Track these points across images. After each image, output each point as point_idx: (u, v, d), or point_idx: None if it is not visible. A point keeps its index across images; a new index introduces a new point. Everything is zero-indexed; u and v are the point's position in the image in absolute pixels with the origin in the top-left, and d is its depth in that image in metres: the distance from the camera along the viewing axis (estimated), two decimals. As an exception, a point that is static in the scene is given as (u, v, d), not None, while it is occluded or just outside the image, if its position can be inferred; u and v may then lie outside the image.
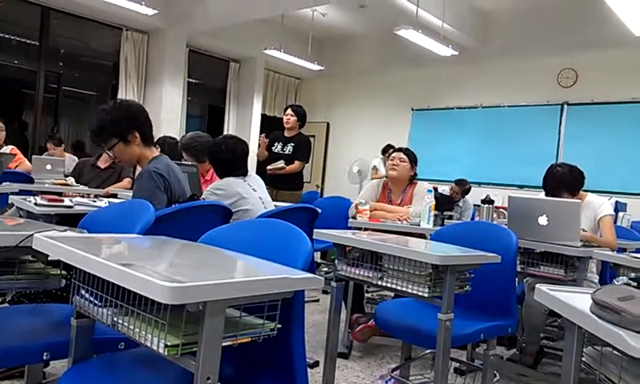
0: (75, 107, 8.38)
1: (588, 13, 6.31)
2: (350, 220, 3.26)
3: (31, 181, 4.11)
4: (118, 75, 7.33)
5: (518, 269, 2.65)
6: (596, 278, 2.96)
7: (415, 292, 1.84)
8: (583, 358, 1.25)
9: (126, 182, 4.39)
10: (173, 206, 2.31)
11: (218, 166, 3.00)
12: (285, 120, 4.85)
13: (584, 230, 2.79)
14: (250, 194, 2.88)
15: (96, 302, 1.15)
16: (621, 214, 4.67)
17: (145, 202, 1.85)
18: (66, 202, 2.59)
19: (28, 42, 7.05)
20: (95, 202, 2.80)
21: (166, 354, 0.98)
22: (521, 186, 7.08)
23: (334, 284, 2.15)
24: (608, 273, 2.97)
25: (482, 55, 7.46)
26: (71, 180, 4.23)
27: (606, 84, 6.66)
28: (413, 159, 3.49)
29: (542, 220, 2.62)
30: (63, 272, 1.49)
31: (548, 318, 2.82)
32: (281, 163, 4.66)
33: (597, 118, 6.76)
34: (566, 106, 7.03)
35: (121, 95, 7.20)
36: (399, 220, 3.23)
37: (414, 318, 2.11)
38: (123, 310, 1.08)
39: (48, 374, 2.16)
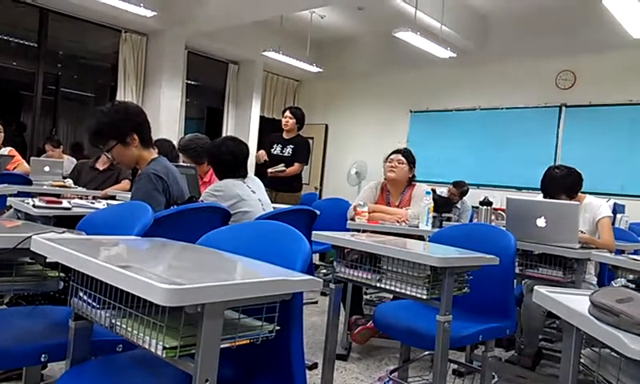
0: (74, 109, 8.37)
1: (586, 15, 6.32)
2: (349, 222, 3.26)
3: (29, 182, 4.10)
4: (117, 77, 7.31)
5: (517, 271, 2.65)
6: (594, 280, 2.96)
7: (414, 294, 1.84)
8: (581, 360, 1.25)
9: (125, 183, 4.39)
10: (171, 207, 2.30)
11: (218, 167, 2.99)
12: (283, 122, 4.86)
13: (582, 232, 2.79)
14: (249, 195, 2.88)
15: (94, 304, 1.15)
16: (619, 215, 4.67)
17: (143, 204, 1.85)
18: (64, 203, 2.58)
19: (26, 43, 7.04)
20: (93, 203, 2.80)
21: (164, 356, 0.97)
22: (519, 188, 7.08)
23: (332, 286, 2.15)
24: (606, 274, 2.98)
25: (481, 57, 7.47)
26: (69, 182, 4.23)
27: (604, 86, 6.67)
28: (411, 161, 3.49)
29: (541, 222, 2.62)
30: (61, 274, 1.49)
31: (546, 319, 2.83)
32: (281, 166, 4.66)
33: (595, 120, 6.77)
34: (564, 108, 7.04)
35: (119, 97, 7.18)
36: (398, 222, 3.23)
37: (413, 319, 2.11)
38: (121, 312, 1.08)
39: (46, 376, 2.16)
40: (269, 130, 7.46)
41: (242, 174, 2.95)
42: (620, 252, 2.92)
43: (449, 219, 3.69)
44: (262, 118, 9.00)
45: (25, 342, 1.42)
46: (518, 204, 2.83)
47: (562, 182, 2.93)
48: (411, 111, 8.50)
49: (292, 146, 4.77)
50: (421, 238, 2.94)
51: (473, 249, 2.01)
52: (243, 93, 8.90)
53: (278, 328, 1.12)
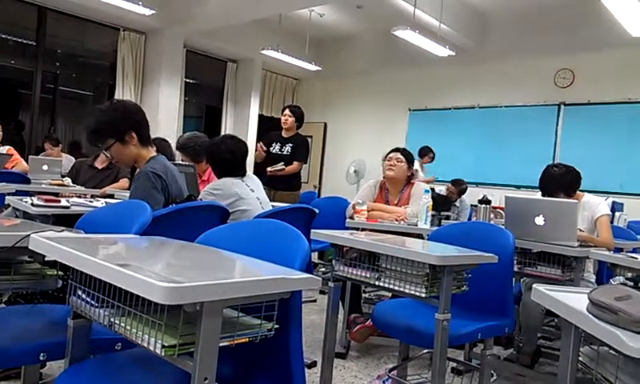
0: (72, 107, 8.35)
1: (585, 13, 6.32)
2: (348, 220, 3.26)
3: (28, 181, 4.10)
4: (115, 75, 7.31)
5: (515, 269, 2.65)
6: (593, 278, 2.96)
7: (413, 292, 1.84)
8: (580, 358, 1.25)
9: (123, 182, 4.38)
10: (170, 206, 2.30)
11: (217, 165, 2.99)
12: (282, 120, 4.85)
13: (581, 230, 2.79)
14: (248, 194, 2.88)
15: (93, 302, 1.15)
16: (617, 213, 4.67)
17: (142, 203, 1.85)
18: (63, 202, 2.58)
19: (25, 42, 7.02)
20: (92, 202, 2.79)
21: (163, 354, 0.97)
22: (518, 186, 7.09)
23: (331, 284, 2.15)
24: (605, 273, 2.98)
25: (479, 55, 7.48)
26: (68, 180, 4.22)
27: (602, 84, 6.68)
28: (410, 159, 3.50)
29: (539, 220, 2.63)
30: (60, 272, 1.49)
31: (545, 317, 2.83)
32: (280, 165, 4.66)
33: (593, 119, 6.78)
34: (562, 107, 7.04)
35: (118, 95, 7.18)
36: (397, 220, 3.23)
37: (412, 317, 2.11)
38: (120, 311, 1.08)
39: (45, 374, 2.16)
40: (268, 128, 7.46)
41: (240, 172, 2.94)
42: (618, 250, 2.92)
43: (447, 218, 3.70)
44: (260, 116, 9.00)
45: (23, 340, 1.42)
46: (517, 202, 2.83)
47: (561, 181, 2.94)
48: (410, 109, 8.50)
49: (291, 145, 4.76)
50: (419, 236, 2.94)
51: (471, 247, 2.01)
52: (242, 91, 8.89)
53: (276, 326, 1.12)
